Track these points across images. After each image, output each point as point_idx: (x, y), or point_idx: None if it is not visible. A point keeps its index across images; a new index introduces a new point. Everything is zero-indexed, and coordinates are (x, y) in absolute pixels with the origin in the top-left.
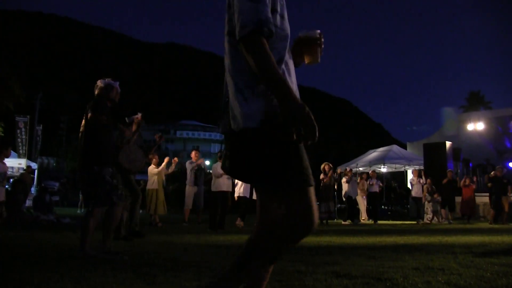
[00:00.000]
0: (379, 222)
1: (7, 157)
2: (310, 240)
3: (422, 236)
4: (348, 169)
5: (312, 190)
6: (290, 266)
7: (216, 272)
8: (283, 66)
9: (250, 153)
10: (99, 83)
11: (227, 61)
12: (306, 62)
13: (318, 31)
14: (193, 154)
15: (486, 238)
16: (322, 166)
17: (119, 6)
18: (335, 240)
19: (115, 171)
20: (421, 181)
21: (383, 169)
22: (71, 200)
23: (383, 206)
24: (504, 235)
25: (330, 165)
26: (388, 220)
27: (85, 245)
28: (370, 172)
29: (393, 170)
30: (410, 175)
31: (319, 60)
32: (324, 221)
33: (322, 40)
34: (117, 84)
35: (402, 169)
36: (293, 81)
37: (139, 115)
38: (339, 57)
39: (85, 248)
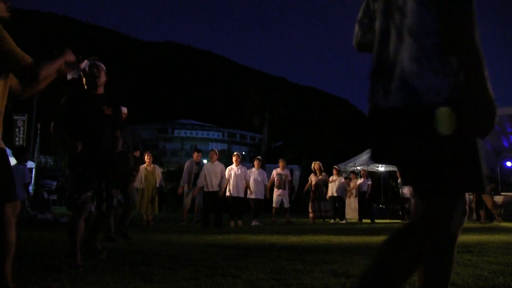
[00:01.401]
0: (376, 221)
1: (26, 161)
2: (307, 239)
3: None
4: (336, 169)
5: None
6: (288, 264)
7: (215, 270)
8: None
9: (423, 134)
10: (70, 76)
11: (408, 21)
12: None
13: None
14: (195, 155)
15: (483, 237)
16: (312, 165)
17: (117, 4)
18: (332, 239)
19: (82, 172)
20: None
21: (381, 168)
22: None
23: (380, 205)
24: (501, 234)
25: (320, 164)
26: (386, 219)
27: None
28: (361, 171)
29: (391, 169)
30: None
31: None
32: (322, 220)
33: None
34: (94, 62)
35: None
36: None
37: (124, 109)
38: (338, 56)
39: (83, 247)
